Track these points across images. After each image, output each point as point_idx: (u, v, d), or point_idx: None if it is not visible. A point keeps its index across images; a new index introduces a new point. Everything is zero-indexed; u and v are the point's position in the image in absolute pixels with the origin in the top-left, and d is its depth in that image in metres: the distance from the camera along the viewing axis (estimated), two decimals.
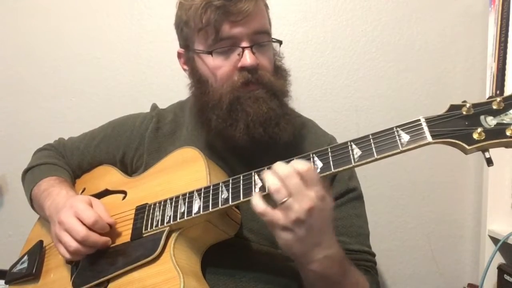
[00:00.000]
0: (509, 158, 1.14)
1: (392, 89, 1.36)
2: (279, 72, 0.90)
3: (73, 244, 0.78)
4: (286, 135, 0.83)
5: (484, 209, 1.21)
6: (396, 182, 1.37)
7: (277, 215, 0.64)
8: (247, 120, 0.81)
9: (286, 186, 0.63)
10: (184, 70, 0.94)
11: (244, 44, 0.81)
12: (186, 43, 0.90)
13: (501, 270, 1.13)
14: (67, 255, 0.80)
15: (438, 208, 1.37)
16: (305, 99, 1.38)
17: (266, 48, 0.86)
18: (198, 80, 0.89)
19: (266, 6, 0.89)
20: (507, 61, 1.15)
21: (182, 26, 0.88)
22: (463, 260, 1.37)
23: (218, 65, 0.84)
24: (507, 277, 1.10)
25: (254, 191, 0.70)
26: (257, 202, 0.66)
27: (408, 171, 1.36)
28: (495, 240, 1.16)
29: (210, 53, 0.83)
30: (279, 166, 0.66)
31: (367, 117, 1.37)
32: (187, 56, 0.91)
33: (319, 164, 0.67)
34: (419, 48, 1.35)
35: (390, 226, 1.38)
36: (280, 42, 0.89)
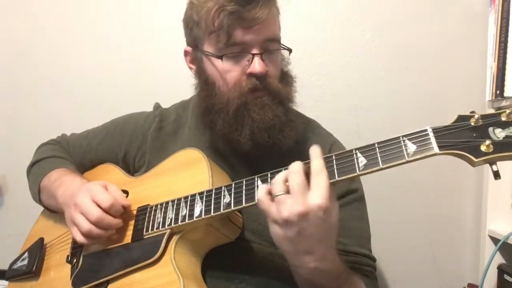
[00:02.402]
0: None
1: (392, 89, 1.36)
2: (286, 78, 0.90)
3: (86, 225, 0.79)
4: (289, 142, 0.83)
5: (484, 209, 1.21)
6: (397, 183, 1.37)
7: (271, 207, 0.64)
8: (252, 126, 0.81)
9: (288, 183, 0.63)
10: (190, 68, 0.94)
11: (255, 51, 0.81)
12: (195, 42, 0.89)
13: (501, 270, 1.13)
14: (80, 237, 0.81)
15: (438, 208, 1.37)
16: (305, 99, 1.37)
17: (275, 55, 0.86)
18: (205, 82, 0.88)
19: (278, 11, 0.88)
20: (507, 61, 1.15)
21: (192, 26, 0.87)
22: (463, 260, 1.37)
23: (227, 69, 0.83)
24: (507, 277, 1.10)
25: (257, 196, 0.69)
26: (260, 189, 0.66)
27: (408, 172, 1.35)
28: (495, 240, 1.16)
29: (221, 57, 0.82)
30: (293, 163, 0.65)
31: (367, 117, 1.36)
32: (195, 55, 0.90)
33: None
34: (419, 48, 1.35)
35: (390, 226, 1.38)
36: (290, 50, 0.89)
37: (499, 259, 1.16)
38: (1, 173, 1.49)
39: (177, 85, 1.39)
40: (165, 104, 1.08)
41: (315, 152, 0.66)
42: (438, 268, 1.37)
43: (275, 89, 0.83)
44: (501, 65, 1.17)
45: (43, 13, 1.46)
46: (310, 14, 1.38)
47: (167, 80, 1.42)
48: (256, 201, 0.68)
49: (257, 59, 0.80)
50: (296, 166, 0.64)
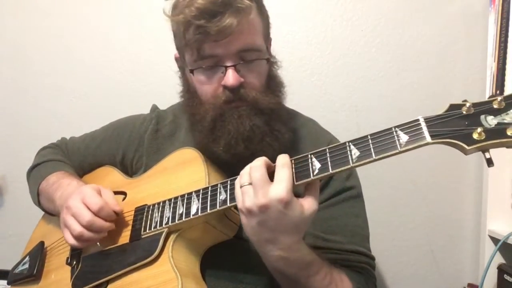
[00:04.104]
0: (509, 158, 1.14)
1: (392, 89, 1.36)
2: (272, 86, 0.87)
3: (78, 228, 0.79)
4: (271, 151, 0.81)
5: (484, 209, 1.21)
6: (396, 182, 1.37)
7: (238, 195, 0.67)
8: (228, 138, 0.81)
9: (250, 176, 0.66)
10: None
11: (228, 63, 0.79)
12: (178, 51, 0.90)
13: (501, 270, 1.13)
14: (71, 240, 0.81)
15: (438, 208, 1.37)
16: (305, 99, 1.38)
17: (255, 64, 0.83)
18: (188, 90, 0.90)
19: (261, 14, 0.85)
20: (507, 61, 1.15)
21: (174, 36, 0.88)
22: (463, 260, 1.36)
23: (203, 81, 0.83)
24: (507, 277, 1.10)
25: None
26: (240, 173, 0.69)
27: (408, 171, 1.36)
28: (495, 240, 1.16)
29: (192, 71, 0.83)
30: (256, 159, 0.67)
31: (367, 117, 1.36)
32: (180, 63, 0.92)
33: (317, 165, 0.66)
34: (419, 48, 1.35)
35: (390, 226, 1.38)
36: (268, 60, 0.85)
37: (499, 259, 1.15)
38: (1, 173, 1.49)
39: (174, 86, 1.40)
40: (163, 105, 1.08)
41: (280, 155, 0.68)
42: (438, 268, 1.37)
43: (252, 99, 0.81)
44: (501, 65, 1.16)
45: (43, 14, 1.46)
46: (310, 14, 1.38)
47: (165, 81, 1.41)
48: None
49: (230, 71, 0.79)
50: (258, 162, 0.66)
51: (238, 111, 0.81)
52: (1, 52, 1.48)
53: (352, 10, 1.36)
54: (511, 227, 1.14)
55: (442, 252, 1.37)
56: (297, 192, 0.86)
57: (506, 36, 1.16)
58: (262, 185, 0.64)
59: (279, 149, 0.82)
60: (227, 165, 0.84)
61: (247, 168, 0.67)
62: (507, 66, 1.15)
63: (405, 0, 1.35)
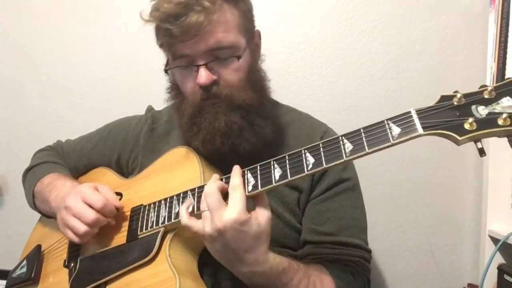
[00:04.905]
0: (509, 158, 1.14)
1: (392, 89, 1.36)
2: (252, 80, 0.87)
3: (83, 228, 0.81)
4: (249, 146, 0.82)
5: (484, 209, 1.21)
6: (396, 182, 1.36)
7: (198, 226, 0.69)
8: (204, 134, 0.82)
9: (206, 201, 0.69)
10: None
11: (199, 62, 0.80)
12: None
13: (501, 270, 1.13)
14: (76, 239, 0.83)
15: (438, 208, 1.36)
16: (305, 99, 1.38)
17: (229, 61, 0.82)
18: (172, 87, 0.92)
19: (237, 9, 0.84)
20: (507, 61, 1.15)
21: None
22: (463, 260, 1.36)
23: (180, 80, 0.86)
24: (507, 277, 1.10)
25: (247, 189, 0.70)
26: (182, 215, 0.72)
27: (408, 171, 1.35)
28: (495, 240, 1.16)
29: (166, 71, 0.86)
30: (208, 184, 0.71)
31: (367, 117, 1.36)
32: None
33: (311, 160, 0.66)
34: (419, 48, 1.35)
35: (390, 226, 1.38)
36: (239, 57, 0.83)
37: (499, 259, 1.15)
38: (1, 173, 1.49)
39: None
40: (163, 105, 1.08)
41: (234, 170, 0.71)
42: (438, 268, 1.37)
43: (226, 95, 0.82)
44: (501, 65, 1.16)
45: (43, 14, 1.46)
46: (310, 14, 1.37)
47: (165, 81, 1.41)
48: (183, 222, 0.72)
49: (201, 70, 0.80)
50: (211, 187, 0.69)
51: (215, 108, 0.82)
52: (1, 52, 1.48)
53: (352, 10, 1.36)
54: (511, 227, 1.14)
55: (442, 252, 1.37)
56: (294, 185, 0.87)
57: (506, 36, 1.16)
58: (217, 210, 0.67)
59: (259, 144, 0.83)
60: (222, 161, 0.85)
61: (203, 195, 0.70)
62: (507, 66, 1.15)
63: (405, 0, 1.35)
